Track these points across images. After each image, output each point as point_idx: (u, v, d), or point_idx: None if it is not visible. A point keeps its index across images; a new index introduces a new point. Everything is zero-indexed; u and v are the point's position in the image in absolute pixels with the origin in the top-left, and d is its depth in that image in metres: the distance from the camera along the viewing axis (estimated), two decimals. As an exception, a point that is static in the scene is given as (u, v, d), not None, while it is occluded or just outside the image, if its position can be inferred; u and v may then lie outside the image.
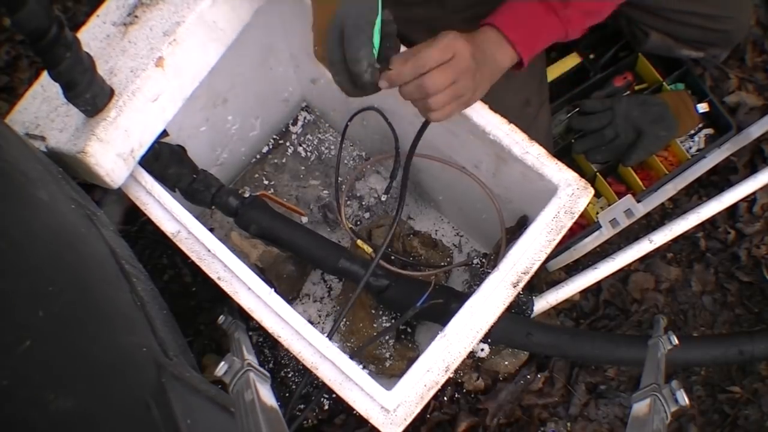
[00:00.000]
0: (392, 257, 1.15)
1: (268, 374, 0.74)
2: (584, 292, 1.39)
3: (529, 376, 1.33)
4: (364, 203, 1.39)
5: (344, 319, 1.20)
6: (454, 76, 0.82)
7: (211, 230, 0.93)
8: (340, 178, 1.16)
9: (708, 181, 1.45)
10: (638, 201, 1.31)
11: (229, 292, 0.89)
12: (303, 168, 1.44)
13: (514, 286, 0.88)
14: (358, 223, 1.38)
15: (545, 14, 0.89)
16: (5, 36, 1.62)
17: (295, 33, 1.17)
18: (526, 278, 0.88)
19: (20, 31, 0.74)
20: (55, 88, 0.83)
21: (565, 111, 1.42)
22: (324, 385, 0.86)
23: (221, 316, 1.02)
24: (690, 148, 1.41)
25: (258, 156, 1.44)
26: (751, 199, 1.43)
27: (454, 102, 0.83)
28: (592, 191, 0.92)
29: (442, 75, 0.80)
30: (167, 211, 0.92)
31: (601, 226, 1.28)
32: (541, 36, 0.91)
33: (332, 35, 0.79)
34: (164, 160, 1.00)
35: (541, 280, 1.37)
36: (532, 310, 1.06)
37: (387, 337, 1.19)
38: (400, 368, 1.18)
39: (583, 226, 1.33)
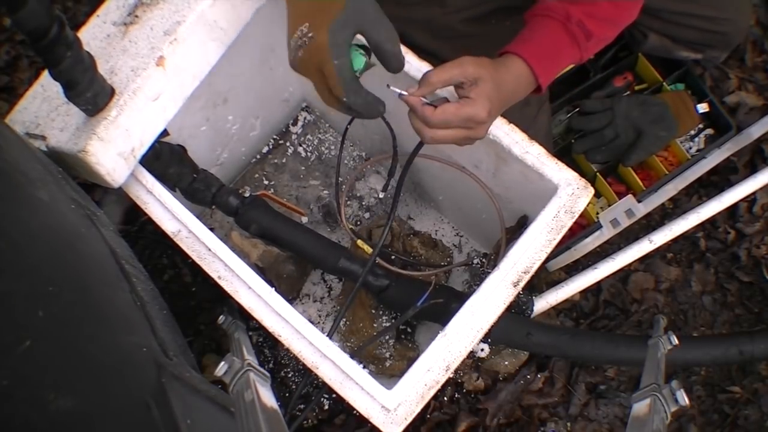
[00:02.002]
0: (392, 257, 1.15)
1: (268, 374, 0.74)
2: (584, 292, 1.39)
3: (529, 376, 1.33)
4: (364, 203, 1.39)
5: (344, 319, 1.20)
6: (465, 138, 0.83)
7: (212, 230, 0.93)
8: (340, 178, 1.16)
9: (708, 181, 1.45)
10: (638, 201, 1.31)
11: (229, 292, 0.89)
12: (303, 168, 1.44)
13: (515, 286, 0.88)
14: (358, 223, 1.39)
15: (570, 46, 0.89)
16: (5, 36, 1.62)
17: (296, 33, 1.17)
18: (527, 278, 0.88)
19: (21, 30, 0.74)
20: (56, 88, 0.83)
21: (565, 111, 1.42)
22: (324, 384, 0.85)
23: (221, 316, 1.02)
24: (690, 148, 1.41)
25: (258, 156, 1.44)
26: (751, 199, 1.43)
27: (453, 141, 0.85)
28: (592, 191, 0.92)
29: (453, 134, 0.82)
30: (168, 211, 0.92)
31: (601, 226, 1.28)
32: (562, 66, 0.92)
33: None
34: (165, 159, 1.00)
35: (541, 280, 1.37)
36: (532, 310, 1.05)
37: (387, 337, 1.19)
38: (400, 368, 1.18)
39: (584, 226, 1.33)
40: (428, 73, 0.82)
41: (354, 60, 0.80)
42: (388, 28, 0.80)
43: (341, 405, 1.31)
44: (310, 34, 0.77)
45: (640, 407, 0.74)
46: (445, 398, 1.33)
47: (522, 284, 0.88)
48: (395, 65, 0.81)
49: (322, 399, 1.30)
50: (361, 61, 0.81)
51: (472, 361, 1.32)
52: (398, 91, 0.82)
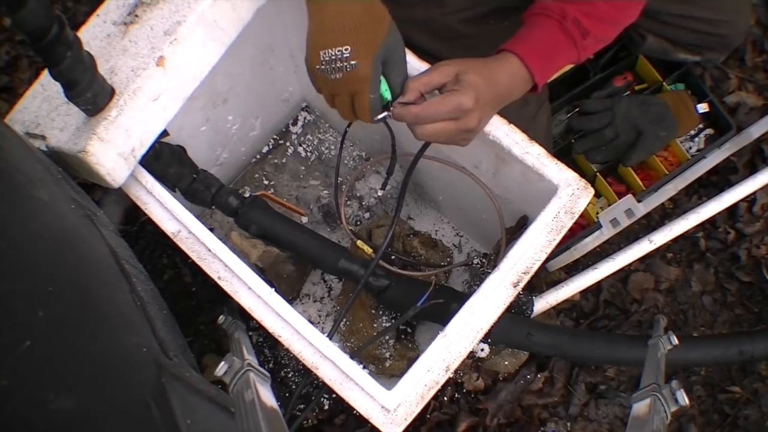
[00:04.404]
0: (392, 257, 1.15)
1: (268, 374, 0.74)
2: (584, 292, 1.39)
3: (529, 376, 1.33)
4: (364, 203, 1.39)
5: (344, 319, 1.20)
6: (456, 131, 0.84)
7: (211, 230, 0.93)
8: (340, 178, 1.16)
9: (708, 181, 1.45)
10: (638, 201, 1.31)
11: (229, 292, 0.89)
12: (303, 168, 1.44)
13: (515, 286, 0.88)
14: (358, 223, 1.38)
15: (566, 45, 0.89)
16: (5, 36, 1.62)
17: (296, 33, 1.17)
18: (527, 278, 0.88)
19: (21, 30, 0.74)
20: (56, 87, 0.83)
21: (565, 111, 1.42)
22: (324, 385, 0.86)
23: (221, 316, 1.02)
24: (690, 148, 1.41)
25: (258, 156, 1.44)
26: (751, 199, 1.43)
27: (448, 140, 0.86)
28: (592, 191, 0.92)
29: (443, 127, 0.83)
30: (168, 211, 0.92)
31: (601, 226, 1.28)
32: (558, 65, 0.92)
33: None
34: (165, 159, 1.00)
35: (541, 280, 1.37)
36: (532, 310, 1.05)
37: (387, 337, 1.19)
38: (400, 368, 1.18)
39: (584, 226, 1.33)
40: (408, 80, 0.83)
41: (382, 88, 0.83)
42: (404, 72, 0.84)
43: (341, 405, 1.31)
44: (353, 62, 0.78)
45: (640, 407, 0.74)
46: (445, 398, 1.33)
47: (522, 284, 0.88)
48: (392, 105, 0.84)
49: (322, 399, 1.30)
50: (388, 93, 0.83)
51: (472, 361, 1.32)
52: (383, 114, 0.84)
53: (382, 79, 0.82)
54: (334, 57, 0.78)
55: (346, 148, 1.42)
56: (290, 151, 1.44)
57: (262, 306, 0.88)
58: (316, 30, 0.80)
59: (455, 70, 0.82)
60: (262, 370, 0.74)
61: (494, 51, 0.90)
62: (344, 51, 0.78)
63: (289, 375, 1.32)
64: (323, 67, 0.80)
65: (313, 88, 0.85)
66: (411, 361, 0.89)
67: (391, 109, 0.83)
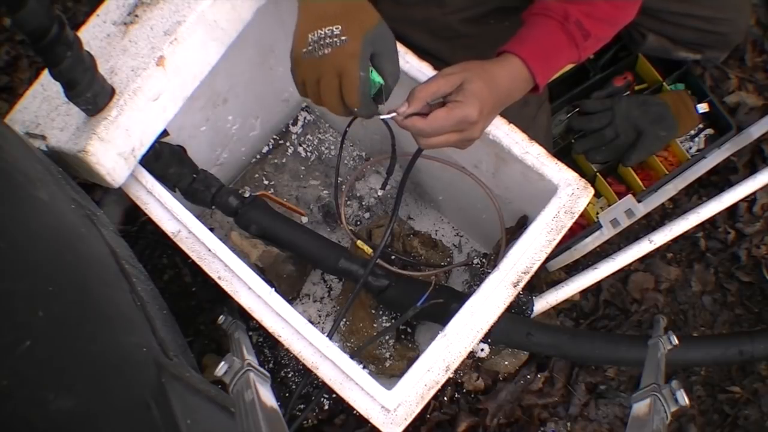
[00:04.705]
0: (392, 257, 1.15)
1: (268, 374, 0.74)
2: (584, 292, 1.39)
3: (529, 376, 1.33)
4: (364, 203, 1.39)
5: (344, 319, 1.20)
6: (460, 140, 0.84)
7: (211, 230, 0.93)
8: (340, 178, 1.16)
9: (708, 181, 1.45)
10: (638, 201, 1.31)
11: (229, 292, 0.89)
12: (303, 168, 1.44)
13: (515, 286, 0.88)
14: (358, 223, 1.39)
15: (567, 46, 0.89)
16: (5, 36, 1.62)
17: (296, 33, 1.17)
18: (527, 278, 0.88)
19: (21, 30, 0.74)
20: (56, 87, 0.83)
21: (565, 111, 1.42)
22: (324, 384, 0.86)
23: (221, 316, 1.02)
24: (690, 148, 1.41)
25: (258, 156, 1.44)
26: (751, 199, 1.43)
27: (450, 145, 0.86)
28: (592, 191, 0.92)
29: (447, 139, 0.83)
30: (168, 211, 0.92)
31: (601, 226, 1.28)
32: (559, 65, 0.92)
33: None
34: (165, 159, 1.00)
35: (541, 280, 1.37)
36: (532, 310, 1.05)
37: (387, 337, 1.19)
38: (400, 368, 1.18)
39: (584, 226, 1.33)
40: (414, 89, 0.83)
41: (373, 76, 0.81)
42: (396, 63, 0.83)
43: (341, 405, 1.31)
44: (343, 37, 0.78)
45: (640, 407, 0.74)
46: (445, 398, 1.33)
47: (522, 284, 0.88)
48: (384, 98, 0.84)
49: (322, 399, 1.30)
50: (378, 81, 0.82)
51: (472, 361, 1.32)
52: (387, 116, 0.83)
53: (373, 71, 0.81)
54: (323, 35, 0.78)
55: (346, 148, 1.43)
56: (290, 151, 1.44)
57: (262, 306, 0.88)
58: (304, 19, 0.81)
59: (460, 78, 0.82)
60: (262, 370, 0.74)
61: (494, 51, 0.90)
62: (335, 29, 0.78)
63: (289, 375, 1.32)
64: (310, 47, 0.79)
65: (304, 86, 0.84)
66: (411, 361, 0.89)
67: (393, 114, 0.83)
